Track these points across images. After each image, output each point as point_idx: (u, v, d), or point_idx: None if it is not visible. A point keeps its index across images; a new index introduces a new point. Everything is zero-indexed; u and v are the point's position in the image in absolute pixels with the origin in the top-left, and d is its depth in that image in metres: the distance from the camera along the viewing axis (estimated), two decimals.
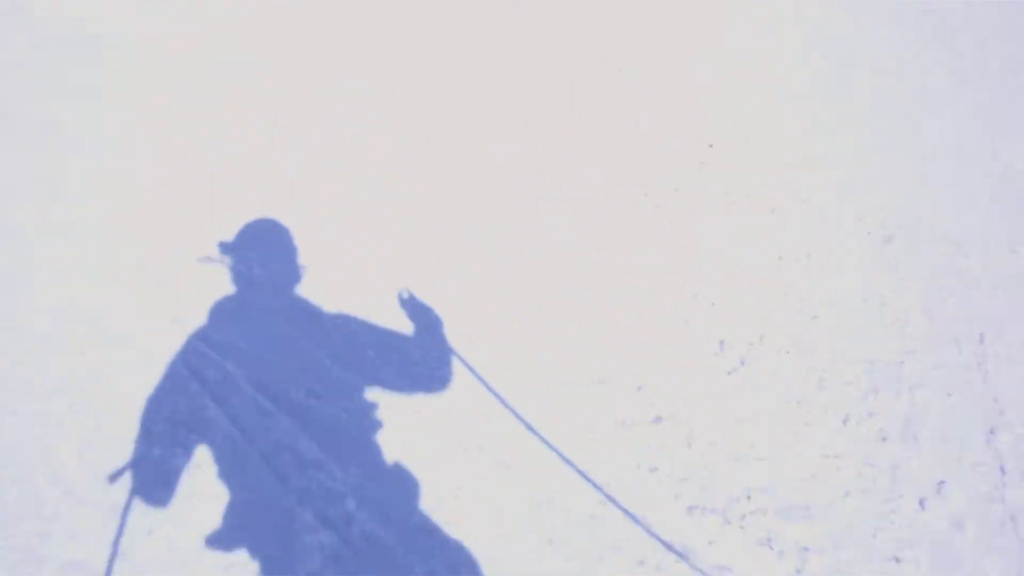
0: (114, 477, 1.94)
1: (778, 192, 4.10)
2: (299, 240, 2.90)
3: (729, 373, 2.77)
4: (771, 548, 2.11)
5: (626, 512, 2.16)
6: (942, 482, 2.33)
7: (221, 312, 2.49)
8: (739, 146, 4.44)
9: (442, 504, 2.14)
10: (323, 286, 2.74)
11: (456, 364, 2.54)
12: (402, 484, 2.14)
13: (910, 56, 6.24)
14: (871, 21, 6.93)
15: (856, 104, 5.51)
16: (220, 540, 1.92)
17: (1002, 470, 2.37)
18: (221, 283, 2.63)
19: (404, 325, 2.61)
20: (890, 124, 5.29)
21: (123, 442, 2.07)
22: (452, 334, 2.66)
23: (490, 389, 2.42)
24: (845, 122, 5.22)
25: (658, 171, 3.96)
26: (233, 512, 1.97)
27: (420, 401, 2.39)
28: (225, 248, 2.60)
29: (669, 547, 2.07)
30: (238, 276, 2.64)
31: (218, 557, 1.89)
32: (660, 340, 2.87)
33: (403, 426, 2.31)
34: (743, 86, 5.16)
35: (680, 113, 4.57)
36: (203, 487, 2.04)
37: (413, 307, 2.68)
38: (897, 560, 2.10)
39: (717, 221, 3.71)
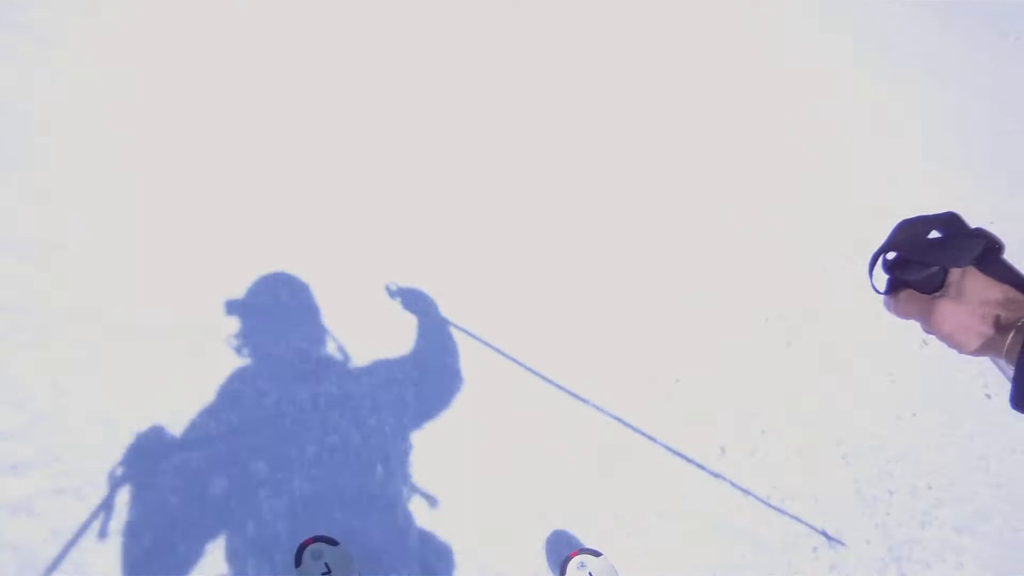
0: None
1: (778, 193, 4.11)
2: (299, 243, 2.89)
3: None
4: None
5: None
6: None
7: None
8: (739, 145, 4.44)
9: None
10: (321, 289, 2.73)
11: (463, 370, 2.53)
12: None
13: (909, 55, 6.24)
14: (870, 21, 6.94)
15: (855, 104, 5.51)
16: None
17: None
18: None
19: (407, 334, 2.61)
20: (888, 125, 5.30)
21: None
22: (451, 336, 2.65)
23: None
24: (844, 122, 5.22)
25: (658, 171, 3.96)
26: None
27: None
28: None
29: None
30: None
31: None
32: (660, 341, 2.86)
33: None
34: (744, 87, 5.16)
35: (680, 113, 4.58)
36: None
37: (408, 302, 2.66)
38: None
39: (718, 220, 3.72)
